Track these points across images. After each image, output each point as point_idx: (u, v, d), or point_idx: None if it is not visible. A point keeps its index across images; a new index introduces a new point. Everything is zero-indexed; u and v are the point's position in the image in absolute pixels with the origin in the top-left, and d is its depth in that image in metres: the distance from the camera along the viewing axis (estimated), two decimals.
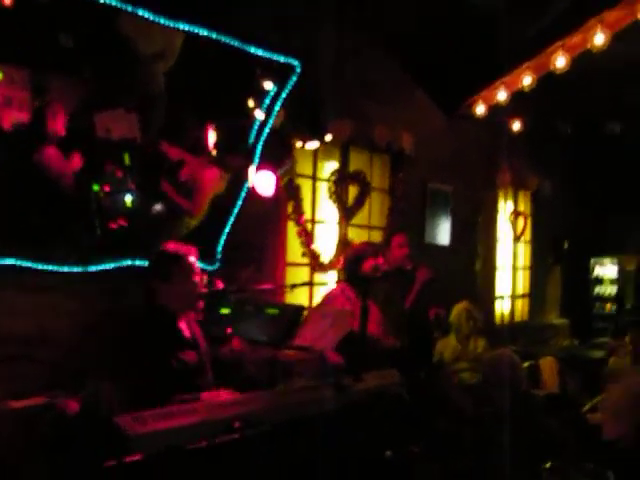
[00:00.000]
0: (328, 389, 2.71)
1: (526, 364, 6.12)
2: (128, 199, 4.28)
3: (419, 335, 4.51)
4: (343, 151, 5.90)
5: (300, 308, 3.72)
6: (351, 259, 4.19)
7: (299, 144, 4.76)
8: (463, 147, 7.29)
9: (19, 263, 3.70)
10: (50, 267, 3.88)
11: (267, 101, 4.44)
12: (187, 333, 3.26)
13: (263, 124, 4.46)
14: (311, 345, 3.39)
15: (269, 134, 4.45)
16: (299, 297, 5.35)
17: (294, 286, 3.70)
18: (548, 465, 2.78)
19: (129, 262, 4.24)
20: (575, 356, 6.75)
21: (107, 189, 4.17)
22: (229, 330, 3.85)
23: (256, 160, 4.45)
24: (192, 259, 3.26)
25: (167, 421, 2.19)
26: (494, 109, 6.82)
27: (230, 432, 2.26)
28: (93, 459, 1.96)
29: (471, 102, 6.83)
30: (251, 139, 4.48)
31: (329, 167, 5.80)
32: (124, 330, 3.33)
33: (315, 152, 5.56)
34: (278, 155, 4.51)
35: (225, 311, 4.07)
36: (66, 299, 4.00)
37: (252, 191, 4.47)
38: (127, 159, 4.24)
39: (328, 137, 4.96)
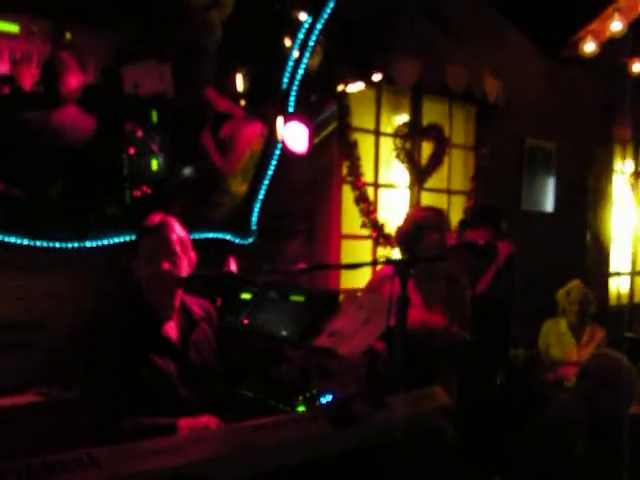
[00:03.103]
0: (325, 423, 1.83)
1: None
2: (154, 162, 3.69)
3: (495, 327, 3.54)
4: (414, 100, 4.98)
5: (332, 295, 2.87)
6: (408, 231, 3.26)
7: (340, 87, 3.86)
8: (569, 95, 6.26)
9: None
10: (43, 243, 3.26)
11: (301, 36, 3.58)
12: (172, 333, 2.47)
13: (297, 64, 3.59)
14: (333, 347, 2.54)
15: (303, 76, 3.58)
16: (360, 277, 4.48)
17: (315, 268, 2.82)
18: None
19: None
20: None
21: (131, 152, 3.60)
22: (245, 321, 3.07)
23: (290, 108, 3.59)
24: (170, 233, 2.44)
25: None
26: (607, 46, 5.68)
27: None
28: None
29: (578, 39, 5.69)
30: (284, 83, 3.63)
31: (397, 120, 4.92)
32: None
33: (378, 101, 4.68)
34: (314, 101, 3.65)
35: (246, 297, 3.30)
36: (63, 279, 3.41)
37: (285, 148, 3.64)
38: (155, 117, 3.67)
39: (376, 77, 4.03)
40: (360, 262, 3.95)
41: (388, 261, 2.64)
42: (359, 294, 3.10)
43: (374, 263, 2.31)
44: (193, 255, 2.51)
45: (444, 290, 3.32)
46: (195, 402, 2.35)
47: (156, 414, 2.21)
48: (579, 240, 6.77)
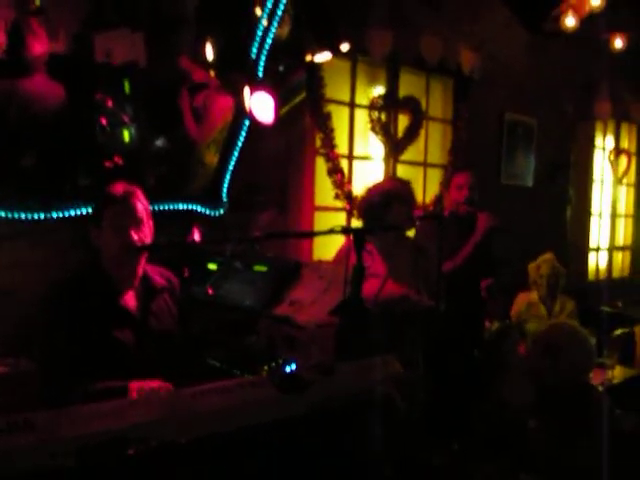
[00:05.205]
0: (271, 389, 1.84)
1: (619, 332, 5.10)
2: (125, 133, 3.64)
3: (470, 300, 3.54)
4: (390, 72, 4.92)
5: (294, 264, 2.86)
6: (373, 202, 3.27)
7: (308, 57, 3.82)
8: (551, 70, 6.18)
9: None
10: (8, 214, 3.20)
11: (269, 4, 3.52)
12: (130, 302, 2.47)
13: (265, 33, 3.55)
14: (290, 315, 2.55)
15: (272, 46, 3.53)
16: (333, 248, 4.46)
17: (270, 236, 2.82)
18: None
19: None
20: None
21: (102, 122, 3.52)
22: (210, 291, 3.06)
23: (259, 78, 3.56)
24: (136, 202, 2.44)
25: None
26: (588, 21, 5.60)
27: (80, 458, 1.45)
28: None
29: (559, 13, 5.61)
30: (253, 53, 3.59)
31: (373, 92, 4.87)
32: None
33: (353, 73, 4.63)
34: (283, 72, 3.61)
35: (212, 267, 3.29)
36: (31, 250, 3.35)
37: (252, 118, 3.60)
38: (127, 86, 3.59)
39: (344, 47, 3.98)
40: (316, 231, 3.95)
41: (344, 230, 2.63)
42: (321, 264, 3.10)
43: (330, 232, 2.30)
44: (152, 223, 2.51)
45: (410, 261, 3.33)
46: (153, 370, 2.35)
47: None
48: (559, 215, 6.76)
